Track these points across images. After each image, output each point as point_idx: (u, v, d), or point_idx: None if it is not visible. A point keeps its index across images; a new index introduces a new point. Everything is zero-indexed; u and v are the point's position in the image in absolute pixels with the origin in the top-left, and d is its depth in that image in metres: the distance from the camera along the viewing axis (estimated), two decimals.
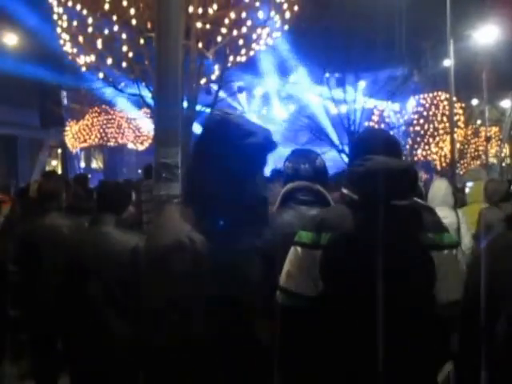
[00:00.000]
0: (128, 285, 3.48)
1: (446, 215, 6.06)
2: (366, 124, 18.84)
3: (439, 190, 6.29)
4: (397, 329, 2.24)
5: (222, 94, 10.78)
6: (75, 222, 4.49)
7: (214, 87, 10.16)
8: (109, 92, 12.41)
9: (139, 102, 10.12)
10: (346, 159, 17.09)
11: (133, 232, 3.88)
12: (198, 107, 9.65)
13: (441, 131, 24.31)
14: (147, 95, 9.36)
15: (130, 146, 25.53)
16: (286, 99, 18.61)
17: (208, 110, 9.90)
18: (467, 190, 12.56)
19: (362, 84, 19.29)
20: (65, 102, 25.77)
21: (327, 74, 18.27)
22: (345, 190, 2.39)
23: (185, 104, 9.07)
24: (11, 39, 22.32)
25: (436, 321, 2.33)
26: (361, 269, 2.26)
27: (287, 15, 9.42)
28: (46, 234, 4.43)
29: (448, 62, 18.54)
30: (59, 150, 28.17)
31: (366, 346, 2.25)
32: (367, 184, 2.29)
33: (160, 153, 2.99)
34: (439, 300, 2.31)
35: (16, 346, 5.03)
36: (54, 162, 28.68)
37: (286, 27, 9.60)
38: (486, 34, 21.39)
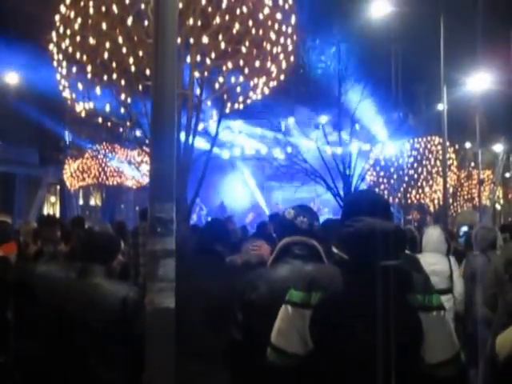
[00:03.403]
0: (118, 334, 3.50)
1: (438, 262, 6.14)
2: (362, 165, 19.00)
3: (432, 236, 6.42)
4: None
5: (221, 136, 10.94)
6: (70, 270, 4.47)
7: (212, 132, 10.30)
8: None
9: (139, 142, 10.28)
10: (341, 202, 17.18)
11: (122, 282, 3.87)
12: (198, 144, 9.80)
13: (434, 175, 24.53)
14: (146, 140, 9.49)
15: (129, 183, 25.60)
16: (282, 143, 18.83)
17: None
18: (461, 235, 12.57)
19: (358, 128, 19.52)
20: (66, 142, 25.98)
21: (325, 119, 18.56)
22: (335, 249, 2.45)
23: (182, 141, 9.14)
24: (13, 78, 22.59)
25: (429, 381, 2.36)
26: (349, 329, 2.31)
27: (283, 65, 9.61)
28: (38, 281, 4.41)
29: (441, 107, 18.84)
30: (58, 187, 28.20)
31: None
32: (357, 245, 2.36)
33: (155, 207, 3.06)
34: (429, 360, 2.34)
35: None
36: (53, 199, 28.68)
37: (282, 77, 9.78)
38: (478, 81, 21.81)
